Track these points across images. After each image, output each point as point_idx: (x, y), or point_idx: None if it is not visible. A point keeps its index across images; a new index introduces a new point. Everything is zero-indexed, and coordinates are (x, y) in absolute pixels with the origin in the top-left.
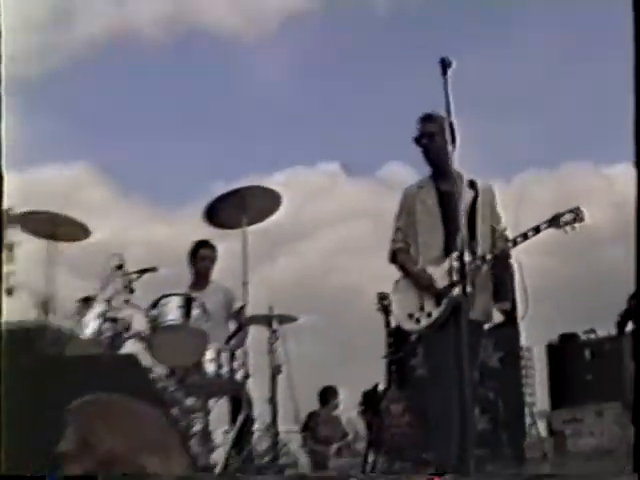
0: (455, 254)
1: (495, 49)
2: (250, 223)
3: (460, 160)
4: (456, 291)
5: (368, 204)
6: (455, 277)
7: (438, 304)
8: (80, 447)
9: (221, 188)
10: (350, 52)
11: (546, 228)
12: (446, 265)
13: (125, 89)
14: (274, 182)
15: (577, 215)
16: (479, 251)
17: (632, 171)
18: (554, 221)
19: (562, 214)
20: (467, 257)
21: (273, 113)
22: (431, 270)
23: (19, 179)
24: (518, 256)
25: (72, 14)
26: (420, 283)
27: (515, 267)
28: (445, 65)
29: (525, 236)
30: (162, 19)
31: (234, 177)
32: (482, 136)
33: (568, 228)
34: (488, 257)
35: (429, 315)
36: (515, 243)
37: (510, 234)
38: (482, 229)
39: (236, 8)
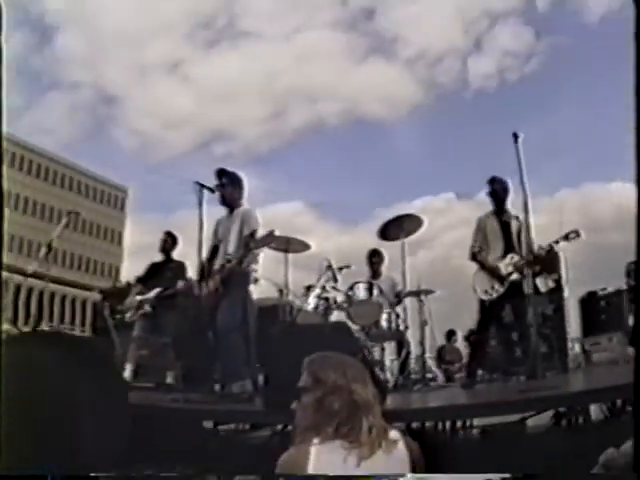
0: (509, 256)
1: (547, 117)
2: (405, 236)
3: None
4: (513, 276)
5: (472, 217)
6: (511, 269)
7: (502, 284)
8: (313, 383)
9: (382, 212)
10: (452, 124)
11: (562, 241)
12: (504, 262)
13: (318, 157)
14: (414, 206)
15: (577, 234)
16: (523, 254)
17: (622, 186)
18: (566, 237)
19: (570, 233)
20: (516, 258)
21: (410, 165)
22: (501, 265)
23: (262, 214)
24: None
25: (283, 113)
26: (491, 271)
27: (561, 255)
28: (516, 137)
29: (552, 247)
30: (337, 112)
31: (389, 205)
32: (533, 169)
33: (573, 241)
34: (529, 258)
35: (497, 291)
36: (548, 252)
37: (554, 234)
38: (523, 243)
39: (382, 102)
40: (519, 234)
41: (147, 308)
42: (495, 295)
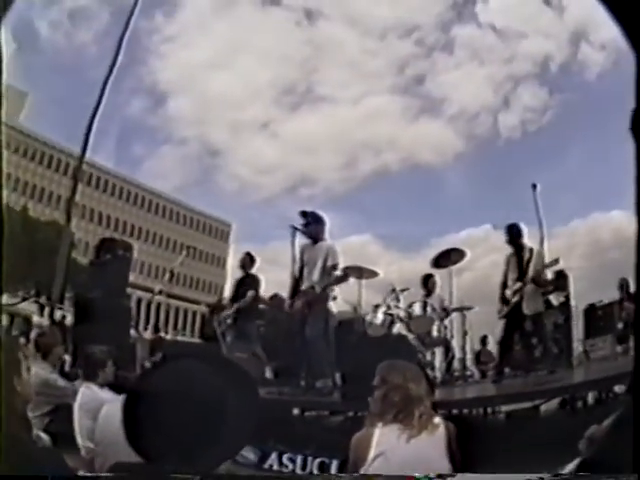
0: (518, 284)
1: (561, 160)
2: (452, 265)
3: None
4: (514, 299)
5: (505, 245)
6: (511, 294)
7: (507, 306)
8: (381, 382)
9: (436, 242)
10: (488, 167)
11: (547, 268)
12: (509, 290)
13: (383, 198)
14: (460, 236)
15: (557, 261)
16: (528, 279)
17: (620, 213)
18: (551, 263)
19: (552, 261)
20: (516, 285)
21: (456, 202)
22: (507, 292)
23: (339, 244)
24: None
25: (354, 162)
26: (501, 298)
27: (570, 277)
28: (534, 186)
29: (546, 268)
30: (397, 160)
31: (441, 235)
32: (551, 204)
33: (554, 266)
34: (527, 281)
35: (504, 311)
36: (558, 275)
37: (567, 256)
38: (533, 268)
39: (433, 151)
40: (528, 263)
41: (229, 321)
42: (503, 314)
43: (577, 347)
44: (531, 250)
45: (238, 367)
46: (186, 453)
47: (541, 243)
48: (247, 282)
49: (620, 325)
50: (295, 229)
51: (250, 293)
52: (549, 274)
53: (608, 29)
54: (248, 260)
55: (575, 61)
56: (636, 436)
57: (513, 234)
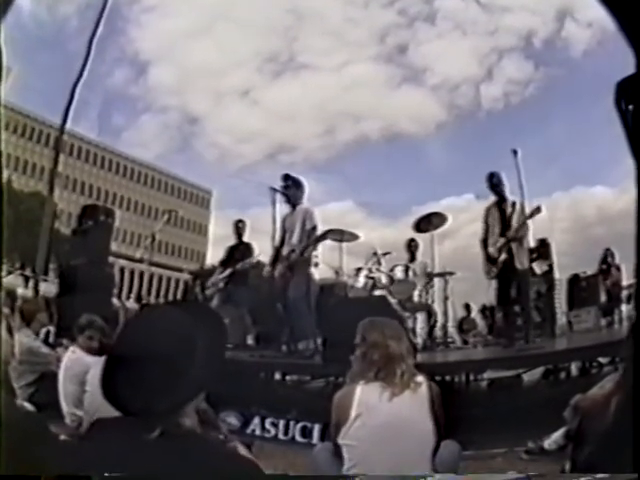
0: (501, 239)
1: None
2: (434, 229)
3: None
4: (502, 257)
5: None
6: (497, 253)
7: (495, 265)
8: (361, 341)
9: (417, 209)
10: (469, 137)
11: (532, 216)
12: (494, 247)
13: (364, 165)
14: (441, 205)
15: (539, 209)
16: (510, 236)
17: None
18: (532, 215)
19: (534, 211)
20: (501, 241)
21: (438, 171)
22: (491, 249)
23: (320, 212)
24: (554, 237)
25: (335, 130)
26: (487, 257)
27: (552, 245)
28: (515, 152)
29: (528, 219)
30: (378, 129)
31: (422, 203)
32: (534, 175)
33: (535, 216)
34: (510, 237)
35: (494, 272)
36: (542, 242)
37: (549, 227)
38: (516, 223)
39: (414, 120)
40: (510, 217)
41: (221, 285)
42: (493, 275)
43: (560, 318)
44: (514, 204)
45: (207, 306)
46: (150, 395)
47: (521, 208)
48: (241, 249)
49: (604, 297)
50: (275, 191)
51: (250, 258)
52: (532, 242)
53: (595, 8)
54: (241, 226)
55: (560, 37)
56: (636, 435)
57: (493, 182)
